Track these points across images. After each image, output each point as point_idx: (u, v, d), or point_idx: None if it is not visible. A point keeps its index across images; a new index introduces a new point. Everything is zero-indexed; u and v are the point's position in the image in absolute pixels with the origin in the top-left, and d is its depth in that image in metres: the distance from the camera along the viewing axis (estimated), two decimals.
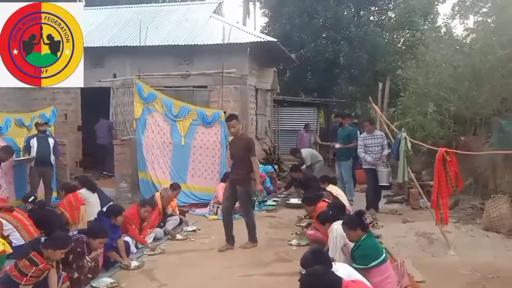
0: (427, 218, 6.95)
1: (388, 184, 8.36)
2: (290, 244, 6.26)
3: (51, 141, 8.63)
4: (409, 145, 6.38)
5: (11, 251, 5.14)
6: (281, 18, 20.03)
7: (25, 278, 3.90)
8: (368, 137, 8.30)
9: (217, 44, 11.16)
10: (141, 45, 10.36)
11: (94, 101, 12.48)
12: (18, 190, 8.29)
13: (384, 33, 18.60)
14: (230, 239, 6.20)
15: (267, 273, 5.16)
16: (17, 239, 5.45)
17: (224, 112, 10.06)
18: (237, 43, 11.45)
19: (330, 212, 5.47)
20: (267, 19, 22.74)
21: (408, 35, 17.41)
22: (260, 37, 12.34)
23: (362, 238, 4.14)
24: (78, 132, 12.91)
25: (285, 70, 20.94)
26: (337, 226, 4.79)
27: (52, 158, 8.63)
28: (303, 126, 15.44)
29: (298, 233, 6.77)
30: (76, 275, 4.57)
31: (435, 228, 5.98)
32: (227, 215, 6.27)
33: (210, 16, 13.57)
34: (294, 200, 8.94)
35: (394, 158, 7.15)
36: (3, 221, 5.46)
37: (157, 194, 7.06)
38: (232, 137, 6.39)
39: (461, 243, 5.96)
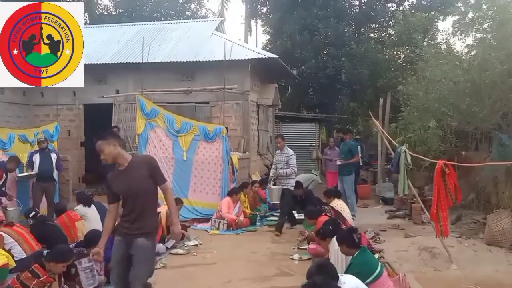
0: (429, 233, 6.91)
1: (277, 202, 8.11)
2: (292, 259, 6.23)
3: (53, 156, 8.67)
4: (409, 158, 6.40)
5: (14, 265, 5.16)
6: (282, 35, 20.28)
7: None
8: (278, 153, 8.25)
9: (218, 60, 11.29)
10: (143, 61, 10.51)
11: (97, 117, 12.58)
12: (22, 205, 8.28)
13: (385, 50, 18.78)
14: None
15: (269, 287, 5.14)
16: (19, 253, 5.46)
17: (226, 128, 10.13)
18: (238, 59, 11.58)
19: (330, 227, 5.46)
20: (268, 37, 23.08)
21: (408, 51, 17.55)
22: (261, 54, 12.48)
23: (355, 255, 4.11)
24: (81, 148, 12.99)
25: (287, 86, 21.13)
26: None
27: (55, 173, 8.67)
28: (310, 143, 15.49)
29: (300, 247, 6.74)
30: None
31: (437, 243, 5.97)
32: None
33: (212, 33, 13.75)
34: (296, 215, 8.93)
35: (394, 172, 7.16)
36: (4, 234, 5.48)
37: (163, 212, 7.01)
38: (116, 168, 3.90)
39: (463, 258, 5.94)
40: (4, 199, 7.66)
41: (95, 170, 13.01)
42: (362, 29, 21.09)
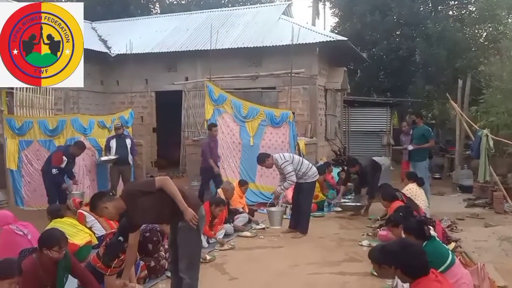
0: None
1: (279, 227, 6.95)
2: (361, 245, 6.06)
3: (128, 141, 9.11)
4: (491, 142, 5.92)
5: (96, 242, 5.51)
6: (351, 17, 19.67)
7: (109, 269, 4.12)
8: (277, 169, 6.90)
9: (285, 45, 11.17)
10: (211, 48, 10.66)
11: (168, 104, 13.05)
12: (101, 187, 8.84)
13: (464, 28, 17.53)
14: None
15: (337, 272, 5.04)
16: (99, 230, 5.85)
17: (293, 113, 10.03)
18: (306, 43, 11.40)
19: (401, 214, 5.21)
20: (337, 19, 22.46)
21: (491, 29, 16.28)
22: (330, 37, 12.17)
23: (424, 245, 3.86)
24: (153, 134, 13.55)
25: (356, 70, 20.50)
26: None
27: (130, 157, 9.12)
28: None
29: (370, 234, 6.56)
30: (152, 263, 4.77)
31: None
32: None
33: (279, 18, 13.63)
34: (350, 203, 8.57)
35: (474, 157, 6.68)
36: (85, 213, 5.86)
37: (219, 190, 7.20)
38: None
39: None
40: (64, 185, 7.73)
41: (166, 155, 13.71)
42: (439, 7, 19.78)
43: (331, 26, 24.47)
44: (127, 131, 9.83)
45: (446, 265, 3.62)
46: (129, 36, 12.95)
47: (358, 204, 8.23)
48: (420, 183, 7.23)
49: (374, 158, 9.67)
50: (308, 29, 12.81)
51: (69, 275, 3.85)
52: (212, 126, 8.99)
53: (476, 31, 17.73)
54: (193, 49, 12.52)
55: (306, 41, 11.45)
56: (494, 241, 5.96)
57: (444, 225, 6.58)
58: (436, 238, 4.09)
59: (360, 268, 5.03)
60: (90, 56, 12.45)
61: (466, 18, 18.31)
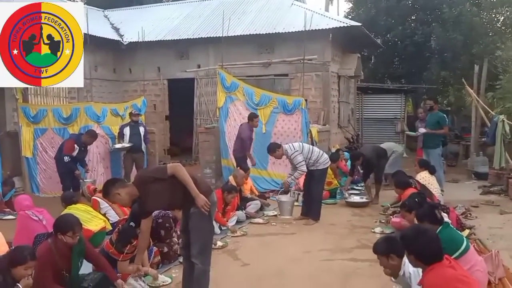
0: None
1: (289, 216, 6.96)
2: (374, 232, 6.04)
3: (141, 129, 9.16)
4: (507, 128, 5.81)
5: (111, 228, 5.58)
6: (366, 2, 19.35)
7: (122, 255, 4.18)
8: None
9: (298, 31, 11.05)
10: (223, 35, 10.59)
11: (180, 92, 13.07)
12: (115, 174, 8.92)
13: (481, 13, 17.12)
14: None
15: (349, 259, 5.06)
16: (113, 217, 5.92)
17: (305, 100, 9.96)
18: (319, 29, 11.27)
19: (416, 200, 5.16)
20: (351, 4, 22.07)
21: (508, 13, 15.89)
22: (343, 22, 12.02)
23: (438, 230, 3.81)
24: (166, 122, 13.60)
25: (370, 56, 20.24)
26: None
27: (143, 145, 9.18)
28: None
29: (383, 221, 6.53)
30: (165, 249, 4.83)
31: None
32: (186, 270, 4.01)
33: (292, 4, 13.49)
34: (356, 198, 8.27)
35: (490, 143, 6.56)
36: (99, 200, 5.93)
37: (230, 178, 7.24)
38: None
39: None
40: (77, 171, 7.70)
41: (179, 143, 13.77)
42: None
43: (344, 11, 24.15)
44: (140, 119, 9.88)
45: (460, 251, 3.59)
46: (141, 23, 12.96)
47: (364, 200, 8.04)
48: (432, 171, 7.13)
49: (382, 145, 9.42)
50: (321, 15, 12.65)
51: (84, 260, 3.92)
52: (254, 116, 8.40)
53: (493, 15, 17.33)
54: (205, 36, 12.48)
55: (319, 27, 11.31)
56: (509, 228, 5.90)
57: (459, 212, 6.52)
58: (450, 224, 4.05)
59: (372, 255, 4.92)
60: (103, 44, 12.55)
61: (483, 2, 17.86)
